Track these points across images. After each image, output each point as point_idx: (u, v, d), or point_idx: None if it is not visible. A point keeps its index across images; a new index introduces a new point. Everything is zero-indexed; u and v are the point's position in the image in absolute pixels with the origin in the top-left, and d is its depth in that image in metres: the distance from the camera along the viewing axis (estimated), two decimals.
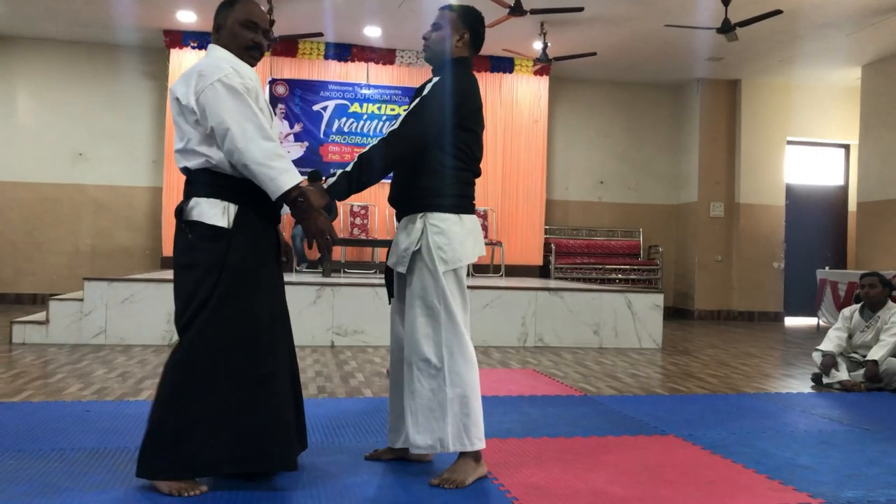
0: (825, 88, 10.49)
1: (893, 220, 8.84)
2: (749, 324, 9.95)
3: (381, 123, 9.61)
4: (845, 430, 3.61)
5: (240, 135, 2.35)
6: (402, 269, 2.65)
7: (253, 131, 2.37)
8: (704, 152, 10.41)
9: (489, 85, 9.84)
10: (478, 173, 2.76)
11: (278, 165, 2.37)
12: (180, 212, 2.48)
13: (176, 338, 2.49)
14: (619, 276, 10.15)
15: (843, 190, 10.97)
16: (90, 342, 5.85)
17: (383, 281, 2.92)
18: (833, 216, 10.96)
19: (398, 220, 2.77)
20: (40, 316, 6.09)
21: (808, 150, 10.88)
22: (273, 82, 9.37)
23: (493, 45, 7.94)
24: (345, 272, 8.86)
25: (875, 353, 4.78)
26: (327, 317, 6.26)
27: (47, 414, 3.45)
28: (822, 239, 10.90)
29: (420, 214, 2.64)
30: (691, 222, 10.58)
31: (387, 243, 8.14)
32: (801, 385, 5.01)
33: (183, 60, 9.09)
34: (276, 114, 9.29)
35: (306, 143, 9.45)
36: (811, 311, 9.67)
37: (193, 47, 9.10)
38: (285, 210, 2.50)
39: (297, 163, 9.06)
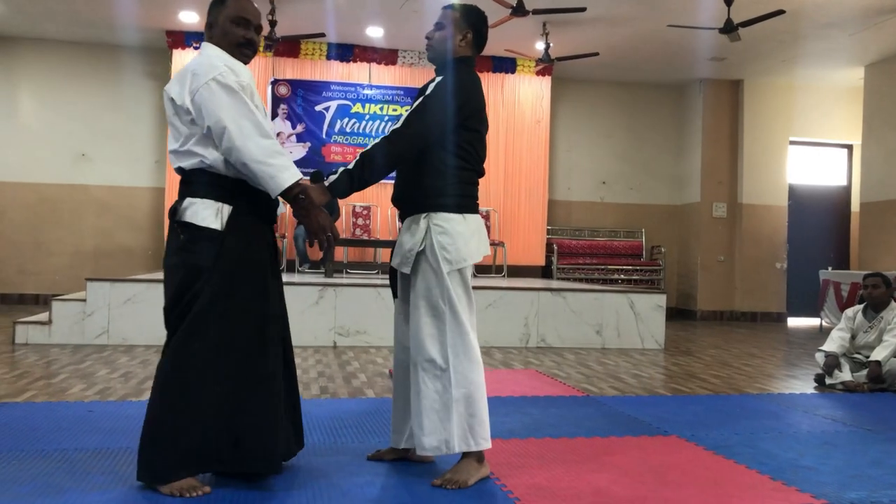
0: (828, 88, 10.47)
1: None
2: (752, 324, 9.93)
3: (383, 124, 9.61)
4: (848, 431, 3.60)
5: (237, 133, 2.33)
6: (406, 270, 2.64)
7: (250, 129, 2.35)
8: (707, 152, 10.40)
9: (491, 85, 9.83)
10: (481, 173, 2.74)
11: (277, 163, 2.35)
12: (174, 212, 2.46)
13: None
14: (622, 276, 10.13)
15: (846, 190, 10.95)
16: (93, 342, 5.85)
17: (386, 281, 2.92)
18: (836, 216, 10.94)
19: (401, 220, 2.75)
20: (43, 316, 6.10)
21: (810, 150, 10.87)
22: (275, 83, 9.38)
23: (495, 45, 7.93)
24: (347, 272, 8.86)
25: (878, 354, 4.76)
26: (330, 317, 6.26)
27: (50, 414, 3.46)
28: (824, 239, 10.88)
29: (424, 214, 2.62)
30: (694, 223, 10.56)
31: (389, 244, 8.15)
32: (803, 386, 5.01)
33: (185, 61, 9.07)
34: (278, 114, 9.35)
35: (308, 144, 9.45)
36: (814, 312, 9.65)
37: (196, 48, 9.10)
38: (281, 209, 2.49)
39: (300, 163, 9.07)
